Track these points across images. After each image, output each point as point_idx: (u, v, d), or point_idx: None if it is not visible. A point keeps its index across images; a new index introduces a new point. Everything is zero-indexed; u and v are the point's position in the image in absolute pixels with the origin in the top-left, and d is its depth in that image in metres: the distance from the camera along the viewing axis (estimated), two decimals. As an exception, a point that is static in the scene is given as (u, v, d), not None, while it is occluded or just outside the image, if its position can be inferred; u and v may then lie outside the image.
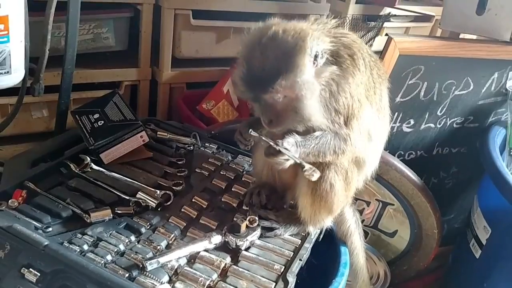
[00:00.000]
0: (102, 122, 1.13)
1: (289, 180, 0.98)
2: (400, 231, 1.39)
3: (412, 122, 1.42)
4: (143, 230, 0.91)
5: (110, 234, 0.88)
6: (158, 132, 1.24)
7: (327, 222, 0.99)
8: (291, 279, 0.82)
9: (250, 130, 0.86)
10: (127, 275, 0.78)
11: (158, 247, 0.86)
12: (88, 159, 1.07)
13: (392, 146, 1.38)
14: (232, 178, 1.12)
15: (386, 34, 1.40)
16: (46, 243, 0.78)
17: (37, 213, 0.89)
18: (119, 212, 0.94)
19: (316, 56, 0.79)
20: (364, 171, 0.98)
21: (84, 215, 0.91)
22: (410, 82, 1.33)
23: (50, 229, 0.87)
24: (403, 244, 1.41)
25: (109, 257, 0.82)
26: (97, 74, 1.48)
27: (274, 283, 0.81)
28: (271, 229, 0.94)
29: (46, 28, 1.08)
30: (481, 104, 1.49)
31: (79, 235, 0.86)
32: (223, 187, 1.07)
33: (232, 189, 1.07)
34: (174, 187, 1.04)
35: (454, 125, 1.50)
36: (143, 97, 1.62)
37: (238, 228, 0.89)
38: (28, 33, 1.00)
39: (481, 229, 1.33)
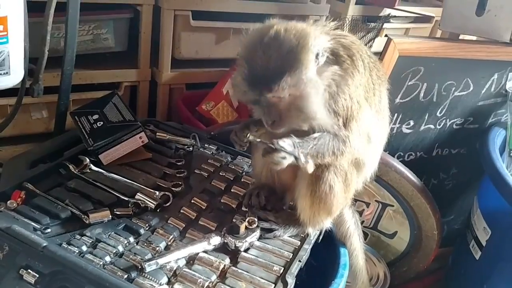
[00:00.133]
0: (101, 123, 1.13)
1: (288, 181, 0.98)
2: (399, 233, 1.39)
3: (411, 123, 1.41)
4: (142, 231, 0.91)
5: (109, 235, 0.88)
6: (158, 133, 1.24)
7: (326, 223, 0.98)
8: (290, 281, 0.82)
9: (248, 134, 0.86)
10: (125, 276, 0.78)
11: (157, 248, 0.86)
12: (87, 160, 1.06)
13: (391, 147, 1.37)
14: (232, 179, 1.11)
15: (386, 35, 1.40)
16: (44, 244, 0.78)
17: (36, 214, 0.89)
18: (118, 213, 0.94)
19: (317, 54, 0.79)
20: (364, 172, 0.97)
21: (83, 216, 0.91)
22: (409, 83, 1.32)
23: (49, 230, 0.87)
24: (403, 246, 1.41)
25: (107, 258, 0.82)
26: (96, 75, 1.48)
27: (273, 285, 0.81)
28: (270, 230, 0.94)
29: (45, 28, 1.08)
30: (481, 105, 1.49)
31: (78, 236, 0.86)
32: (223, 188, 1.07)
33: (232, 190, 1.07)
34: (173, 188, 1.04)
35: (454, 126, 1.50)
36: (143, 98, 1.62)
37: (237, 229, 0.89)
38: (28, 34, 1.00)
39: (481, 231, 1.32)
